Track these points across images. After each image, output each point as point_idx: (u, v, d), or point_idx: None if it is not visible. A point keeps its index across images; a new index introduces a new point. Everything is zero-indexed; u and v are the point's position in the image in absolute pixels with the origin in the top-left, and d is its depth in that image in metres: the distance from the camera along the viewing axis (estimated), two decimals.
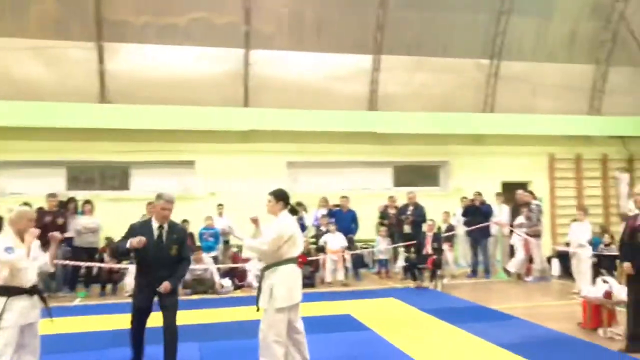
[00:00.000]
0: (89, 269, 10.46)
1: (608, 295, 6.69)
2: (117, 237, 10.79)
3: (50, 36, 12.86)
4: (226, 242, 12.09)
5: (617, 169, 16.32)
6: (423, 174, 15.61)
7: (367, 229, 12.80)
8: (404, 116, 14.53)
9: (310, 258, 10.71)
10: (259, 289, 5.15)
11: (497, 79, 15.45)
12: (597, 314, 6.95)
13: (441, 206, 13.08)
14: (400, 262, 11.62)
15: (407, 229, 11.95)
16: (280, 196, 5.26)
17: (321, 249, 11.46)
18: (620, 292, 6.52)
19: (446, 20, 14.76)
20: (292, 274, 5.13)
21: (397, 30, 14.63)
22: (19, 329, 4.47)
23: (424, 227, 11.30)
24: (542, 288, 10.65)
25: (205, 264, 10.54)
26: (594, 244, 10.62)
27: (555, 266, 11.91)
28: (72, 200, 11.26)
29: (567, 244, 10.78)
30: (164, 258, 5.28)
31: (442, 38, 14.96)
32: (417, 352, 6.08)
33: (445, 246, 11.55)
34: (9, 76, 12.72)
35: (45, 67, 13.03)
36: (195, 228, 11.54)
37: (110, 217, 11.50)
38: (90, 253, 10.53)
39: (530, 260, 11.57)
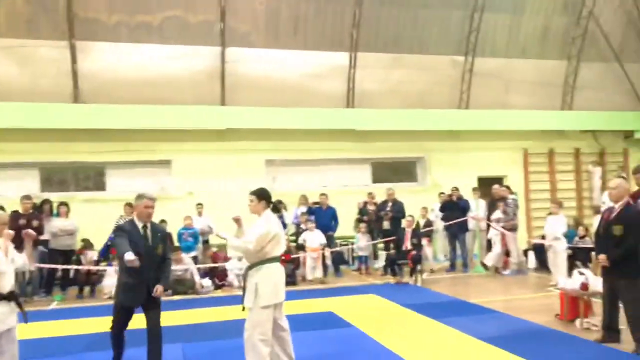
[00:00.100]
0: (65, 271, 10.28)
1: (584, 287, 6.83)
2: (93, 238, 10.83)
3: (21, 35, 12.62)
4: (206, 242, 12.01)
5: (590, 163, 16.69)
6: (401, 170, 15.75)
7: (347, 225, 12.85)
8: (381, 113, 14.61)
9: (292, 256, 10.71)
10: (244, 288, 5.13)
11: (471, 75, 15.64)
12: (574, 305, 7.09)
13: (419, 202, 13.23)
14: (381, 260, 11.64)
15: (386, 225, 12.04)
16: (262, 195, 5.26)
17: (301, 247, 11.46)
18: (596, 283, 6.66)
19: (421, 18, 14.91)
20: (277, 272, 5.15)
21: (373, 27, 14.73)
22: None
23: (403, 223, 11.38)
24: (519, 281, 10.83)
25: (185, 264, 10.45)
26: (569, 236, 10.84)
27: (532, 259, 12.12)
28: (46, 202, 11.04)
29: (543, 237, 10.98)
30: (152, 258, 5.25)
31: (418, 35, 15.10)
32: (400, 348, 6.12)
33: (423, 241, 11.66)
34: None
35: (16, 66, 12.78)
36: (173, 228, 11.42)
37: (86, 218, 11.39)
38: (66, 255, 10.34)
39: (507, 253, 11.76)
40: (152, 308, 5.27)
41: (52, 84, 12.86)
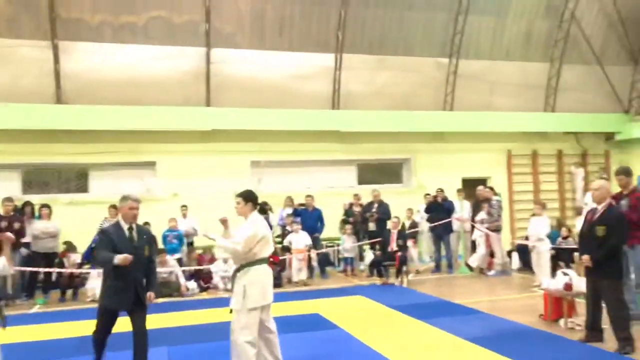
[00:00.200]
0: (47, 274, 10.14)
1: (568, 287, 6.92)
2: (76, 241, 10.70)
3: (2, 34, 12.46)
4: (190, 244, 11.93)
5: (573, 164, 16.89)
6: (386, 172, 15.79)
7: (332, 227, 12.85)
8: (366, 115, 14.65)
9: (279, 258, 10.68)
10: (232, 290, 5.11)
11: (456, 77, 15.75)
12: (558, 305, 7.17)
13: (404, 203, 13.29)
14: (368, 260, 11.64)
15: (372, 226, 12.07)
16: (249, 197, 5.26)
17: (287, 249, 11.44)
18: (580, 284, 6.75)
19: (406, 20, 14.99)
20: (265, 274, 5.15)
21: (359, 29, 14.76)
22: None
23: (389, 224, 11.41)
24: (503, 282, 10.92)
25: (170, 266, 10.37)
26: (552, 237, 10.95)
27: (515, 260, 12.23)
28: (28, 204, 10.89)
29: (527, 238, 11.08)
30: (139, 259, 5.20)
31: (403, 37, 15.17)
32: (386, 349, 6.14)
33: (409, 242, 11.71)
34: None
35: None
36: (157, 230, 11.30)
37: (69, 221, 11.27)
38: (49, 258, 10.21)
39: (491, 254, 11.85)
40: (138, 311, 5.21)
41: (34, 84, 12.69)
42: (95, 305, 5.48)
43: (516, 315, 7.66)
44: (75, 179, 13.41)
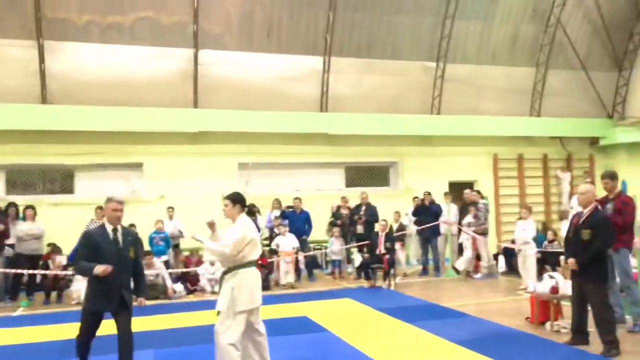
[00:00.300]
0: (31, 276, 10.01)
1: (554, 290, 6.97)
2: (61, 243, 10.56)
3: None
4: (176, 246, 11.85)
5: (559, 168, 17.07)
6: (374, 175, 15.84)
7: (320, 230, 12.85)
8: (354, 118, 14.69)
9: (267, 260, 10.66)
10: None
11: (443, 81, 15.85)
12: (544, 308, 7.22)
13: (392, 206, 13.31)
14: (357, 263, 11.62)
15: (359, 229, 12.08)
16: (237, 200, 5.23)
17: (274, 252, 11.41)
18: (566, 287, 6.81)
19: (394, 24, 15.07)
20: (253, 277, 5.12)
21: (347, 32, 14.80)
22: None
23: (377, 227, 11.43)
24: (490, 285, 10.99)
25: (156, 268, 10.28)
26: (538, 241, 11.05)
27: (502, 263, 12.32)
28: (12, 205, 10.73)
29: (513, 242, 11.17)
30: (124, 261, 5.18)
31: (390, 41, 15.26)
32: (375, 352, 6.15)
33: (396, 245, 11.73)
34: None
35: None
36: (143, 232, 11.18)
37: (54, 222, 11.12)
38: (33, 260, 10.07)
39: (477, 257, 11.92)
40: (123, 313, 5.15)
41: (19, 84, 12.56)
42: (80, 307, 5.42)
43: (503, 318, 7.70)
44: (60, 180, 13.27)
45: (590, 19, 16.88)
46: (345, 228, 12.45)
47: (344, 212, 12.61)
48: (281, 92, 14.49)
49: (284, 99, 14.44)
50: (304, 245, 11.99)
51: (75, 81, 12.93)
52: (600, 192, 7.10)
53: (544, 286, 7.19)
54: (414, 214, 12.80)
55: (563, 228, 11.89)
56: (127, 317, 5.18)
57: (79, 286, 9.33)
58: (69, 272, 10.00)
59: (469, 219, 11.84)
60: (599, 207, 6.36)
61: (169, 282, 10.30)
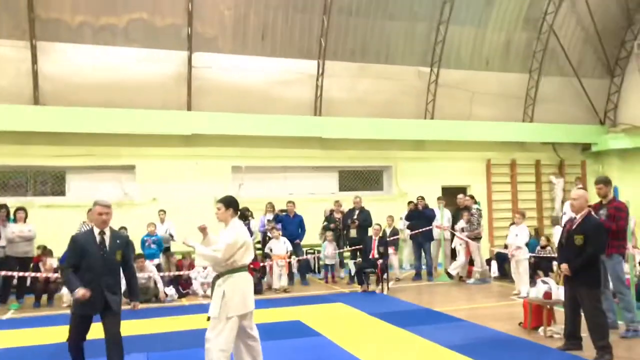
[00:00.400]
0: (21, 279, 9.91)
1: (548, 295, 6.99)
2: (52, 245, 10.46)
3: None
4: (167, 249, 11.77)
5: (553, 174, 17.16)
6: (367, 179, 15.85)
7: (313, 234, 12.81)
8: (348, 122, 14.69)
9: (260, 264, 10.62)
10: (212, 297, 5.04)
11: (437, 86, 15.90)
12: (537, 314, 7.22)
13: (385, 210, 13.28)
14: (354, 271, 11.57)
15: (353, 233, 12.06)
16: (230, 203, 5.18)
17: (267, 256, 11.36)
18: (559, 292, 6.82)
19: (388, 28, 15.11)
20: (245, 282, 5.08)
21: (341, 36, 14.83)
22: None
23: (370, 232, 11.42)
24: (482, 290, 10.99)
25: (148, 271, 10.21)
26: (530, 246, 11.08)
27: (494, 268, 12.34)
28: (3, 207, 10.61)
29: (506, 246, 11.19)
30: (109, 264, 5.15)
31: (384, 45, 15.30)
32: (368, 356, 6.14)
33: (390, 250, 11.72)
34: None
35: None
36: (135, 235, 11.11)
37: (45, 224, 11.02)
38: (24, 262, 9.97)
39: (471, 262, 11.93)
40: (110, 316, 5.10)
41: (11, 84, 12.48)
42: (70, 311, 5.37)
43: (496, 323, 7.71)
44: (52, 182, 13.18)
45: (582, 26, 17.02)
46: (339, 232, 12.42)
47: (338, 216, 12.59)
48: (275, 95, 14.48)
49: (278, 103, 14.43)
50: (297, 249, 11.94)
51: (67, 82, 12.86)
52: (593, 198, 7.14)
53: (537, 291, 7.21)
54: (408, 218, 12.80)
55: (555, 234, 11.95)
56: (114, 320, 5.13)
57: None
58: (59, 275, 9.89)
59: (462, 223, 11.86)
60: (592, 212, 6.39)
61: (160, 286, 10.22)
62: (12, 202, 11.32)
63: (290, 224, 12.04)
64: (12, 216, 10.42)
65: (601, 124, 17.81)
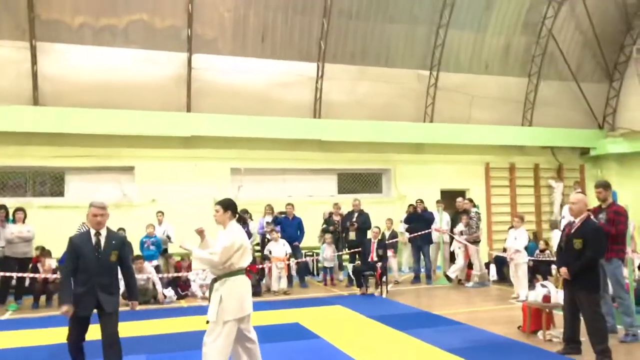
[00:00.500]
0: (20, 280, 9.89)
1: (547, 299, 7.00)
2: (51, 246, 10.45)
3: None
4: (165, 251, 11.74)
5: (552, 178, 17.19)
6: (366, 181, 15.85)
7: (312, 236, 12.81)
8: (347, 124, 14.71)
9: (258, 267, 10.61)
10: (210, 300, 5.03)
11: (436, 89, 15.92)
12: (536, 317, 7.23)
13: (384, 213, 13.30)
14: (350, 270, 11.59)
15: (352, 235, 12.06)
16: (228, 206, 5.17)
17: (266, 258, 11.35)
18: (558, 296, 6.83)
19: (387, 32, 15.15)
20: (243, 285, 5.05)
21: (341, 39, 14.85)
22: None
23: (369, 234, 11.42)
24: (481, 293, 11.00)
25: (147, 273, 10.19)
26: (529, 249, 11.08)
27: (493, 271, 12.34)
28: (2, 207, 10.60)
29: (504, 250, 11.20)
30: (104, 265, 5.15)
31: (384, 48, 15.33)
32: (367, 359, 6.13)
33: (389, 253, 11.72)
34: None
35: None
36: (134, 236, 11.12)
37: (43, 225, 10.99)
38: (23, 263, 9.95)
39: (469, 266, 11.94)
40: (106, 316, 5.09)
41: (11, 85, 12.47)
42: None
43: (495, 326, 7.70)
44: (51, 183, 13.16)
45: (581, 30, 17.07)
46: (338, 235, 12.41)
47: (337, 218, 12.58)
48: (274, 97, 14.49)
49: (277, 105, 14.44)
50: (296, 252, 11.94)
51: (67, 83, 12.86)
52: (592, 202, 7.15)
53: (536, 295, 7.21)
54: (407, 221, 12.81)
55: (554, 237, 11.98)
56: (111, 321, 5.12)
57: None
58: (58, 275, 9.88)
59: (461, 227, 11.87)
60: (591, 216, 6.40)
61: (159, 287, 10.21)
62: (11, 202, 11.31)
63: (289, 226, 12.04)
64: (11, 217, 10.41)
65: (600, 128, 17.86)
